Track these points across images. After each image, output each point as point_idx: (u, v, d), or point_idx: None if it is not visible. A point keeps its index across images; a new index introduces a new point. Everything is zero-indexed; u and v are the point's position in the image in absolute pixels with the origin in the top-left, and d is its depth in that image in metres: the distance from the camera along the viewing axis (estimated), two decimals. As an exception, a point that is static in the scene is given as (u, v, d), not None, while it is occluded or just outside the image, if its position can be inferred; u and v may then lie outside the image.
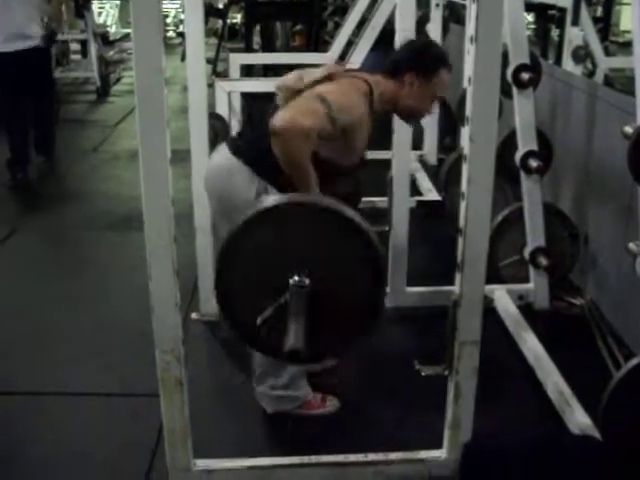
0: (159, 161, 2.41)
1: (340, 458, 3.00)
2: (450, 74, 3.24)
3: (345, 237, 2.53)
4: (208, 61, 5.48)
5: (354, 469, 3.00)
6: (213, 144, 3.82)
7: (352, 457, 3.01)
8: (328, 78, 3.11)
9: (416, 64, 3.13)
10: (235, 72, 6.48)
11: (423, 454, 3.02)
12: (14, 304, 4.72)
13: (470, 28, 2.41)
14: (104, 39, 14.68)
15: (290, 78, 3.17)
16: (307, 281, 2.49)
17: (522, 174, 4.38)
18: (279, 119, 2.76)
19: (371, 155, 5.86)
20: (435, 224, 5.77)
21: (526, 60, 4.21)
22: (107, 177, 7.33)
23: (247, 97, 5.90)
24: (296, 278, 2.49)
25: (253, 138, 3.20)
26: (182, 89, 9.87)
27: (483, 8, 2.34)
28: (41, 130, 7.63)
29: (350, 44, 6.17)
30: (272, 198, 2.65)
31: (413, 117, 3.38)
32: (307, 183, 2.87)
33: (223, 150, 3.20)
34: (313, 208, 2.54)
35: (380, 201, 4.78)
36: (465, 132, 2.55)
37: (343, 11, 10.08)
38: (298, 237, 2.52)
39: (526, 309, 4.44)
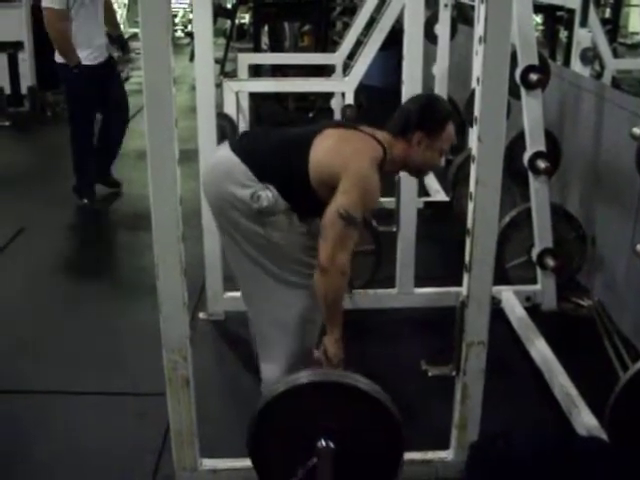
0: (167, 161, 2.42)
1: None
2: (454, 127, 3.25)
3: (367, 409, 2.68)
4: (216, 61, 5.48)
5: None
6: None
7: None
8: (342, 136, 3.16)
9: (423, 124, 3.14)
10: (243, 72, 6.49)
11: (430, 455, 3.03)
12: (23, 303, 4.73)
13: (479, 29, 2.41)
14: (111, 39, 14.68)
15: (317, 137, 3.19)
16: (332, 444, 2.64)
17: (530, 175, 4.37)
18: (323, 257, 2.96)
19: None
20: (443, 225, 5.77)
21: (535, 61, 4.21)
22: (115, 177, 7.32)
23: (255, 97, 5.90)
24: (323, 442, 2.63)
25: (264, 151, 3.19)
26: (190, 89, 9.89)
27: (492, 9, 2.34)
28: (111, 151, 7.00)
29: (359, 44, 6.18)
30: (302, 374, 2.75)
31: (422, 172, 3.43)
32: (337, 313, 3.06)
33: (224, 148, 3.21)
34: (342, 386, 2.68)
35: (388, 202, 4.78)
36: (473, 132, 2.55)
37: (352, 11, 10.08)
38: (325, 408, 2.67)
39: (533, 310, 4.43)
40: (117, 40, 7.16)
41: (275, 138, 3.26)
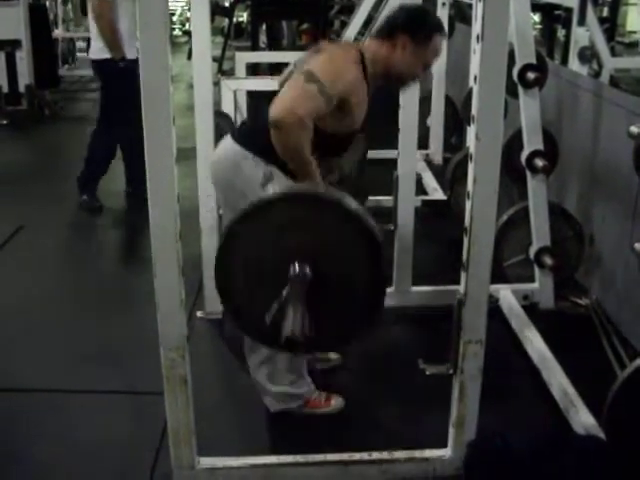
0: (165, 159, 2.42)
1: (344, 457, 3.01)
2: (443, 42, 3.21)
3: (343, 227, 2.53)
4: (214, 59, 5.48)
5: (358, 468, 3.00)
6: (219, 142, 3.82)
7: (356, 456, 3.01)
8: (318, 51, 3.11)
9: (411, 28, 3.09)
10: (241, 70, 6.47)
11: (428, 453, 3.03)
12: (21, 301, 4.72)
13: (476, 27, 2.41)
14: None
15: (285, 71, 3.19)
16: (307, 270, 2.50)
17: (528, 173, 4.37)
18: (274, 111, 2.78)
19: (377, 154, 5.92)
20: (440, 223, 5.78)
21: (532, 60, 4.21)
22: (113, 175, 7.31)
23: (253, 96, 5.89)
24: (296, 268, 2.49)
25: (255, 126, 3.21)
26: (188, 87, 9.88)
27: (490, 7, 2.34)
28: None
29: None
30: (270, 190, 2.71)
31: (402, 82, 3.30)
32: (307, 172, 2.90)
33: (227, 140, 3.21)
34: (311, 200, 2.57)
35: (386, 200, 4.78)
36: (471, 131, 2.55)
37: (349, 10, 10.07)
38: (297, 229, 2.51)
39: (531, 309, 4.43)
40: None
41: (264, 112, 3.25)
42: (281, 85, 3.09)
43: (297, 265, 2.49)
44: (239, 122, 5.58)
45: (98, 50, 6.14)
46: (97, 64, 6.29)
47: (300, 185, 2.89)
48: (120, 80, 6.08)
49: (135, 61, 5.85)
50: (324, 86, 2.82)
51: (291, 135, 2.79)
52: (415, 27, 3.10)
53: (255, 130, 3.14)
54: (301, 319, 2.46)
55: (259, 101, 3.29)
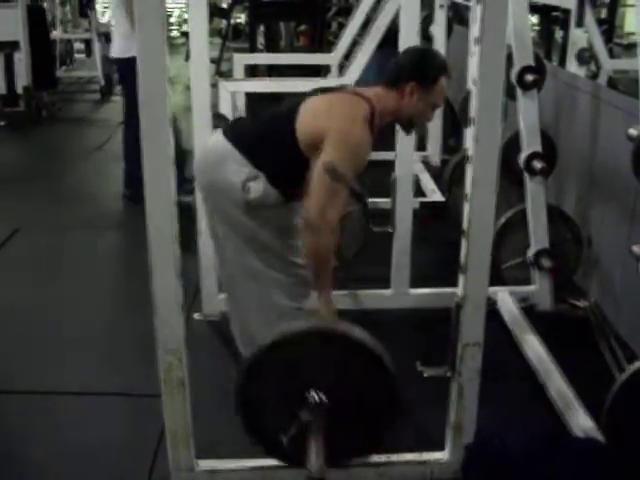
0: (162, 161, 2.41)
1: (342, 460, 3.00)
2: (449, 80, 3.24)
3: (359, 359, 2.70)
4: (212, 61, 5.47)
5: (356, 470, 2.99)
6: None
7: (354, 459, 3.00)
8: (329, 103, 3.14)
9: (417, 74, 3.12)
10: (239, 72, 6.47)
11: (425, 456, 3.03)
12: (16, 304, 4.71)
13: (475, 29, 2.41)
14: (108, 38, 14.68)
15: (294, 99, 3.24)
16: (324, 398, 2.62)
17: (526, 176, 4.37)
18: (308, 213, 2.93)
19: (375, 156, 5.89)
20: (438, 225, 5.77)
21: (530, 62, 4.21)
22: (111, 176, 7.32)
23: (251, 97, 5.89)
24: (315, 397, 2.62)
25: (254, 130, 3.24)
26: (185, 89, 9.86)
27: (488, 9, 2.34)
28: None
29: (354, 44, 6.18)
30: (293, 324, 2.76)
31: (412, 126, 3.36)
32: (324, 277, 3.06)
33: (218, 136, 3.22)
34: (331, 334, 2.69)
35: (383, 202, 4.77)
36: (469, 133, 2.55)
37: (347, 12, 10.06)
38: (316, 360, 2.65)
39: (529, 311, 4.43)
40: None
41: (263, 117, 3.28)
42: (289, 110, 3.13)
43: (315, 395, 2.62)
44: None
45: (126, 48, 6.12)
46: (121, 62, 6.36)
47: (314, 321, 2.98)
48: None
49: None
50: (347, 178, 2.94)
51: (322, 239, 2.95)
52: (421, 73, 3.14)
53: (255, 137, 3.17)
54: (323, 452, 2.59)
55: (256, 104, 3.31)
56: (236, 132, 3.23)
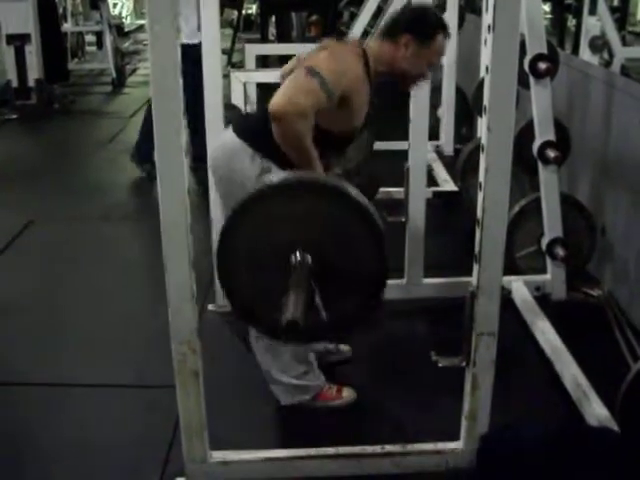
0: (175, 152, 2.41)
1: (357, 449, 3.00)
2: (447, 41, 3.21)
3: (344, 213, 2.51)
4: (224, 52, 5.47)
5: (371, 461, 2.99)
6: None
7: (369, 449, 3.01)
8: (322, 49, 3.13)
9: (414, 27, 3.10)
10: (251, 63, 6.46)
11: (440, 446, 3.02)
12: (31, 294, 4.74)
13: (488, 17, 2.40)
14: (119, 30, 14.71)
15: (289, 63, 3.20)
16: (308, 258, 2.49)
17: (539, 164, 4.36)
18: (274, 103, 2.79)
19: (388, 146, 5.90)
20: (452, 215, 5.77)
21: (543, 50, 4.19)
22: (123, 168, 7.33)
23: (263, 88, 5.88)
24: (297, 256, 2.49)
25: (255, 119, 3.25)
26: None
27: (501, -3, 2.33)
28: None
29: (366, 34, 6.15)
30: (269, 178, 2.66)
31: (407, 82, 3.30)
32: (309, 163, 2.91)
33: (228, 132, 3.22)
34: (311, 186, 2.57)
35: (397, 192, 4.75)
36: (483, 122, 2.54)
37: (359, 1, 10.02)
38: (298, 215, 2.50)
39: (543, 300, 4.42)
40: None
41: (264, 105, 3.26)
42: (283, 78, 3.10)
43: (298, 253, 2.48)
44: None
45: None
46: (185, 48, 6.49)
47: (298, 172, 2.85)
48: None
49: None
50: (325, 81, 2.83)
51: (292, 125, 2.80)
52: (418, 27, 3.12)
53: (255, 124, 3.16)
54: (302, 305, 2.41)
55: (262, 94, 3.30)
56: (243, 126, 3.23)
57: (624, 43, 6.98)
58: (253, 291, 2.62)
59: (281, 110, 2.78)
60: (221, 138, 3.32)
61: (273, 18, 10.82)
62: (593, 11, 5.91)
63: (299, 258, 2.48)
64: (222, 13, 7.44)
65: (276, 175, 2.86)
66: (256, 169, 3.04)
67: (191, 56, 6.28)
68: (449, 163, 6.82)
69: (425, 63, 3.17)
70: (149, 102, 6.70)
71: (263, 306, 2.60)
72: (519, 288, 4.45)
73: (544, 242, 4.48)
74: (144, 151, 6.86)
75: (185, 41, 6.24)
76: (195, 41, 6.06)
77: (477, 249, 2.63)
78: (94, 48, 13.98)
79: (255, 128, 3.13)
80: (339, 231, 2.52)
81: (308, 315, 2.40)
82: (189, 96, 6.01)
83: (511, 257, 4.51)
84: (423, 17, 3.17)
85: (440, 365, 2.93)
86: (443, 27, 3.17)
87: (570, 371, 3.59)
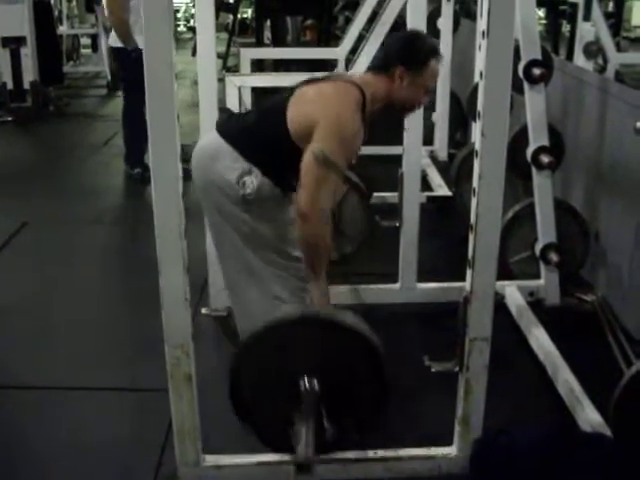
0: (169, 156, 2.41)
1: (350, 455, 3.00)
2: (441, 63, 3.21)
3: (348, 343, 2.64)
4: (219, 56, 5.49)
5: (364, 466, 3.00)
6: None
7: (361, 453, 3.00)
8: (317, 91, 3.13)
9: (405, 57, 3.10)
10: (246, 67, 6.47)
11: (433, 451, 3.02)
12: (25, 297, 4.73)
13: (482, 23, 2.41)
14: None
15: (296, 90, 3.19)
16: (316, 383, 2.59)
17: (533, 170, 4.36)
18: (301, 203, 2.92)
19: (382, 150, 5.90)
20: (446, 219, 5.77)
21: (538, 55, 4.20)
22: (117, 171, 7.33)
23: (258, 92, 5.89)
24: (306, 383, 2.58)
25: (243, 123, 3.23)
26: (192, 83, 9.88)
27: (495, 3, 2.34)
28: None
29: (361, 39, 6.16)
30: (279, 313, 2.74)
31: (405, 110, 3.33)
32: (318, 267, 3.05)
33: (212, 133, 3.23)
34: (316, 320, 2.66)
35: (391, 196, 4.76)
36: (477, 127, 2.54)
37: (354, 6, 10.04)
38: (306, 346, 2.62)
39: (537, 305, 4.42)
40: None
41: (252, 112, 3.28)
42: (284, 101, 3.13)
43: (306, 380, 2.59)
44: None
45: (114, 39, 6.94)
46: (115, 50, 7.10)
47: (302, 307, 3.02)
48: (133, 66, 6.56)
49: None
50: (338, 166, 2.93)
51: (317, 227, 2.96)
52: (409, 56, 3.12)
53: (243, 129, 3.18)
54: (313, 439, 2.56)
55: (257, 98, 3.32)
56: (228, 127, 3.23)
57: (618, 49, 6.99)
58: (264, 412, 2.73)
59: (309, 214, 2.91)
60: (203, 139, 3.34)
61: (268, 22, 10.81)
62: (587, 17, 5.91)
63: (307, 385, 2.58)
64: (217, 17, 7.45)
65: (253, 179, 2.99)
66: (236, 171, 3.05)
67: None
68: (443, 168, 6.83)
69: (422, 90, 3.19)
70: (125, 105, 7.20)
71: (273, 426, 2.74)
72: (513, 293, 4.45)
73: (538, 247, 4.48)
74: (134, 154, 7.12)
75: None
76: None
77: (471, 254, 2.63)
78: (89, 51, 13.94)
79: (243, 133, 3.14)
80: (344, 359, 2.64)
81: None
82: (137, 97, 6.51)
83: (505, 262, 4.51)
84: (412, 45, 3.16)
85: (433, 370, 2.94)
86: (434, 51, 3.17)
87: (563, 376, 3.59)
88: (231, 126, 3.25)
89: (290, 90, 3.18)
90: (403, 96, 3.15)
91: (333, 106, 2.99)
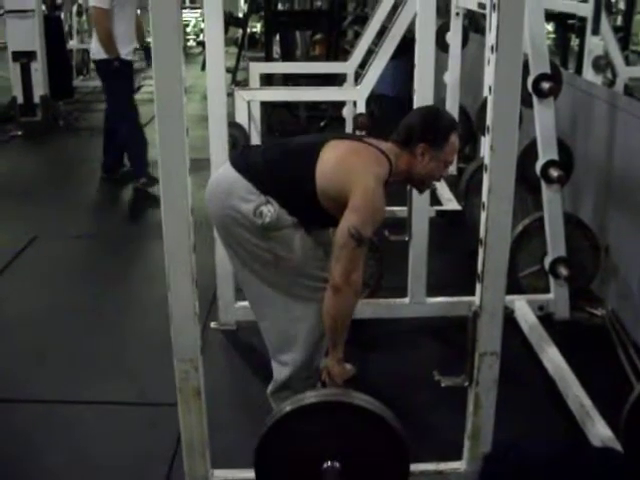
0: (178, 170, 2.41)
1: (359, 469, 2.99)
2: (458, 135, 3.26)
3: (370, 427, 2.71)
4: (228, 70, 5.49)
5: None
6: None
7: (371, 468, 2.99)
8: (351, 151, 3.16)
9: (427, 135, 3.15)
10: (255, 81, 6.49)
11: (442, 466, 3.01)
12: (34, 310, 4.73)
13: (491, 37, 2.40)
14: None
15: (325, 146, 3.19)
16: (337, 466, 2.66)
17: (543, 184, 4.36)
18: (336, 277, 2.98)
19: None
20: (455, 234, 5.76)
21: (546, 70, 4.20)
22: (126, 185, 7.35)
23: (267, 106, 5.90)
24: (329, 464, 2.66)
25: (267, 163, 3.20)
26: (202, 98, 9.90)
27: (504, 17, 2.33)
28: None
29: (370, 53, 6.18)
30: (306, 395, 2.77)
31: (425, 185, 3.39)
32: (342, 334, 3.08)
33: (227, 166, 3.24)
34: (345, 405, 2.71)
35: (400, 210, 4.75)
36: (486, 141, 2.54)
37: (363, 20, 10.08)
38: (328, 429, 2.69)
39: (546, 319, 4.41)
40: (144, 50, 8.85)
41: (276, 150, 3.27)
42: (303, 146, 3.21)
43: (329, 463, 2.67)
44: (252, 133, 5.60)
45: (97, 51, 7.04)
46: (99, 62, 7.18)
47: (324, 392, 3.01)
48: (116, 76, 7.06)
49: (128, 63, 7.08)
50: (369, 240, 3.06)
51: (347, 300, 3.01)
52: (431, 134, 3.16)
53: (264, 164, 3.18)
54: None
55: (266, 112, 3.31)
56: (245, 162, 3.21)
57: (627, 63, 6.98)
58: None
59: (342, 287, 2.97)
60: (218, 173, 3.34)
61: (277, 36, 10.84)
62: (596, 31, 5.90)
63: (329, 466, 2.66)
64: (227, 31, 7.48)
65: (270, 209, 3.03)
66: (252, 203, 3.06)
67: (126, 72, 7.12)
68: (452, 182, 6.81)
69: (442, 165, 3.23)
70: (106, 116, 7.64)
71: None
72: (522, 307, 4.44)
73: (547, 261, 4.47)
74: (137, 168, 7.29)
75: (124, 58, 7.01)
76: (129, 58, 7.04)
77: (480, 268, 2.62)
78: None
79: (265, 173, 3.14)
80: (364, 442, 2.71)
81: None
82: (116, 107, 6.64)
83: (514, 276, 4.50)
84: (434, 122, 3.20)
85: (443, 385, 2.93)
86: (454, 126, 3.22)
87: (573, 391, 3.58)
88: (248, 160, 3.24)
89: (322, 138, 3.23)
90: (424, 172, 3.21)
91: (369, 180, 3.01)
